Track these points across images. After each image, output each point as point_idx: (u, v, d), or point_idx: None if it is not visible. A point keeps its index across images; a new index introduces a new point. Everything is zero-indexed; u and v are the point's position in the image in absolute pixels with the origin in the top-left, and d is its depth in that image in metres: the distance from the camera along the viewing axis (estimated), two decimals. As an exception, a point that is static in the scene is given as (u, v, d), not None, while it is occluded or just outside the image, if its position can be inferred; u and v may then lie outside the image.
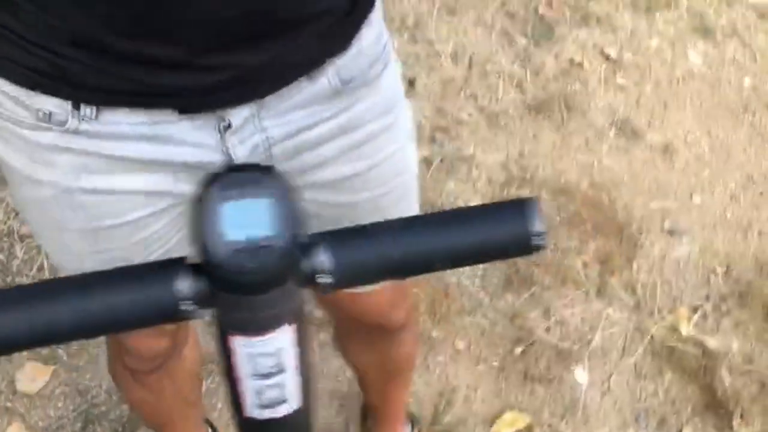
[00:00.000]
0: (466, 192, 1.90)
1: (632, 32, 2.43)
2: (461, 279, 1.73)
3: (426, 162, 1.93)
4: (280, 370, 0.46)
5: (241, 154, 0.72)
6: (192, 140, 0.70)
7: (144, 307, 0.41)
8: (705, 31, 2.49)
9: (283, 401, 0.50)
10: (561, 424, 1.53)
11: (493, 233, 0.43)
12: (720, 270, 1.84)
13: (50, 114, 0.65)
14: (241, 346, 0.43)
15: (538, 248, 0.44)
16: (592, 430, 1.53)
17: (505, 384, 1.58)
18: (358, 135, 0.79)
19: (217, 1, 0.60)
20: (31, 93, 0.65)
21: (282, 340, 0.43)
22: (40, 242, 0.85)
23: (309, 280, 0.42)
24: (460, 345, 1.62)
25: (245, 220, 0.38)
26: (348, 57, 0.73)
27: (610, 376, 1.61)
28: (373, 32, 0.76)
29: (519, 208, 0.43)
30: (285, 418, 0.51)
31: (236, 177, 0.40)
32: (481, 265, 1.75)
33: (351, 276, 0.43)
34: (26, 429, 1.42)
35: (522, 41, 2.32)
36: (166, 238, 0.78)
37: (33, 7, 0.60)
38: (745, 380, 1.63)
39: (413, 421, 1.44)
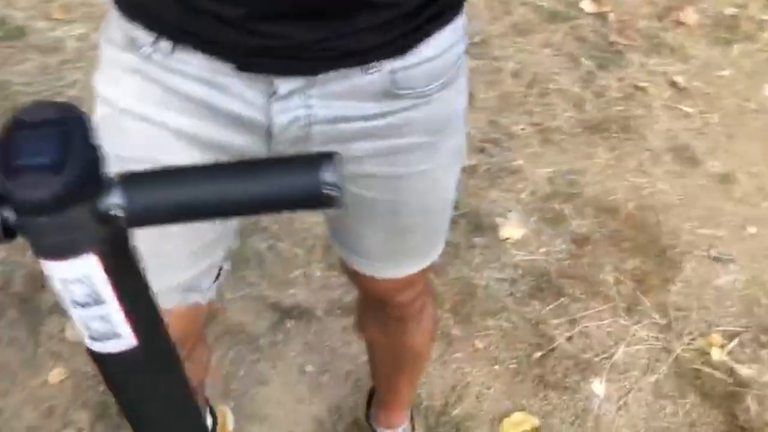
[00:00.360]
0: (509, 201, 1.93)
1: (705, 62, 2.39)
2: (490, 282, 1.75)
3: (471, 169, 1.98)
4: (97, 301, 0.48)
5: (280, 121, 0.76)
6: (243, 96, 0.75)
7: None
8: (787, 66, 2.41)
9: (114, 336, 0.51)
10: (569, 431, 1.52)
11: (288, 183, 0.45)
12: (766, 302, 1.77)
13: (135, 39, 0.74)
14: (49, 269, 0.46)
15: (331, 199, 0.45)
16: (602, 441, 1.51)
17: (519, 386, 1.58)
18: (394, 143, 0.80)
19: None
20: (128, 20, 0.75)
21: (87, 268, 0.46)
22: None
23: (104, 214, 0.45)
24: (480, 345, 1.65)
25: (31, 147, 0.42)
26: (407, 62, 0.75)
27: (629, 391, 1.59)
28: (441, 46, 0.76)
29: (315, 159, 0.45)
30: (125, 355, 0.53)
31: (35, 110, 0.44)
32: (512, 272, 1.78)
33: (143, 215, 0.47)
34: (67, 372, 1.56)
35: (588, 64, 2.34)
36: None
37: None
38: (775, 413, 1.56)
39: (413, 414, 1.47)
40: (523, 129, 2.11)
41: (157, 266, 0.84)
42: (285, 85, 0.73)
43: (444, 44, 0.77)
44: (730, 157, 2.12)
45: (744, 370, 1.62)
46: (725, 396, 1.58)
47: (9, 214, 0.44)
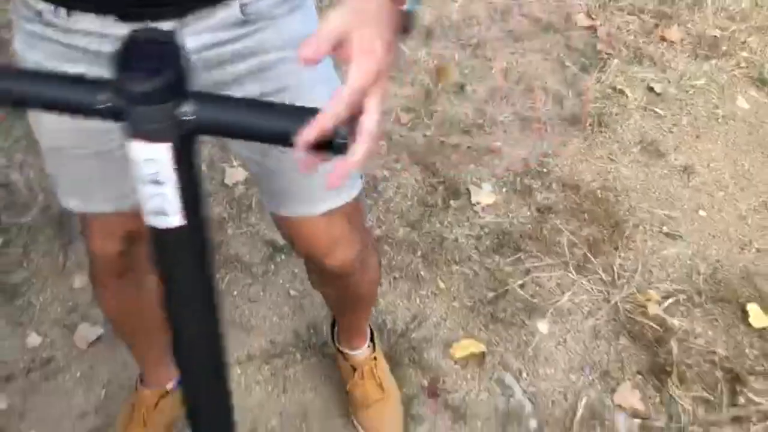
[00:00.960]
0: (484, 174, 2.18)
1: (682, 73, 2.63)
2: (458, 237, 2.00)
3: (454, 147, 2.24)
4: (160, 182, 0.61)
5: None
6: None
7: (77, 104, 0.62)
8: (761, 81, 2.63)
9: (166, 213, 0.63)
10: (511, 358, 1.74)
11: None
12: (706, 271, 1.98)
13: (40, 11, 0.91)
14: (134, 149, 0.60)
15: (343, 147, 0.63)
16: (539, 368, 1.73)
17: (472, 320, 1.82)
18: (261, 60, 0.97)
19: None
20: None
21: (160, 153, 0.60)
22: (32, 124, 1.08)
23: (181, 115, 0.60)
24: (443, 285, 1.89)
25: (142, 55, 0.59)
26: None
27: (569, 332, 1.81)
28: None
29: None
30: (174, 231, 0.64)
31: (146, 31, 0.62)
32: (478, 231, 2.02)
33: (208, 123, 0.62)
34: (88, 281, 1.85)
35: (573, 68, 2.59)
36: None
37: None
38: (698, 359, 1.76)
39: (373, 337, 1.66)
40: (506, 117, 2.37)
41: (102, 171, 1.06)
42: (161, 27, 0.89)
43: None
44: (694, 153, 2.34)
45: (674, 322, 1.83)
46: (653, 340, 1.79)
47: (116, 102, 0.59)
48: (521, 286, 1.89)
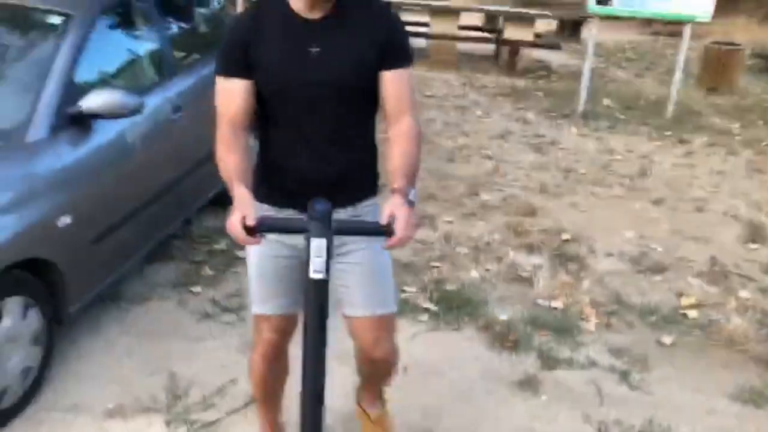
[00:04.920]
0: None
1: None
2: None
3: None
4: (321, 256, 1.40)
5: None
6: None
7: (300, 227, 1.50)
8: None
9: (321, 272, 1.39)
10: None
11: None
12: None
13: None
14: (313, 242, 1.41)
15: (392, 232, 1.54)
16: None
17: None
18: (361, 245, 1.82)
19: (313, 187, 1.65)
20: (259, 202, 1.71)
21: (323, 243, 1.40)
22: (249, 262, 1.91)
23: (328, 229, 1.48)
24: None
25: (320, 205, 1.48)
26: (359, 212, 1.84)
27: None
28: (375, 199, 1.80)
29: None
30: (320, 282, 1.40)
31: (319, 201, 1.51)
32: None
33: (340, 230, 1.55)
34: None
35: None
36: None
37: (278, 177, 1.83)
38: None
39: (383, 401, 2.28)
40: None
41: (281, 290, 1.98)
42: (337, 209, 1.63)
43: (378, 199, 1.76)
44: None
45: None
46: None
47: (309, 225, 1.47)
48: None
